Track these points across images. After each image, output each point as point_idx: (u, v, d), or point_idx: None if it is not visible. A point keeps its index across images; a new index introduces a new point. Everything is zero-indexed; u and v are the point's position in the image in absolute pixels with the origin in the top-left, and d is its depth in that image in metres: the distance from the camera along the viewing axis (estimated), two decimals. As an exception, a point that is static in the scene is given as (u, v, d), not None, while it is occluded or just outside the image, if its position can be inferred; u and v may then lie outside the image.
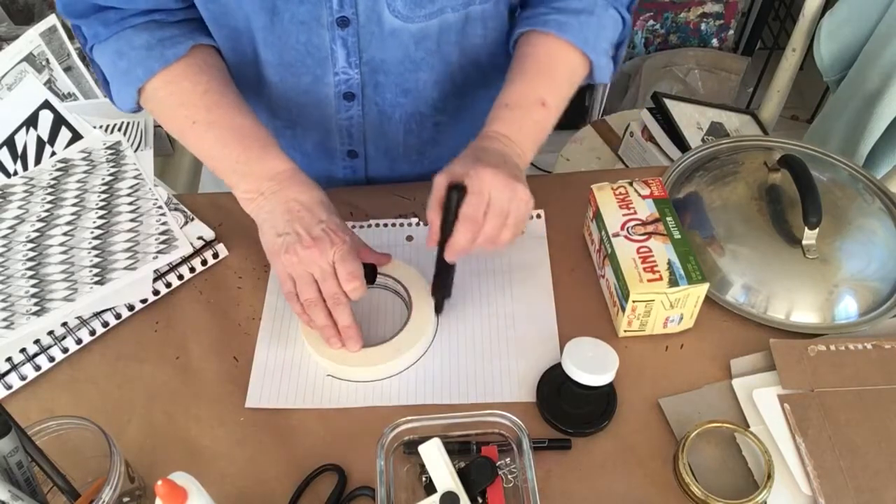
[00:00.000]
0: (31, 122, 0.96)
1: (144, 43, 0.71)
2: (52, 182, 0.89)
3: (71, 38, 1.13)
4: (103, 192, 0.87)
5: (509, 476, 0.63)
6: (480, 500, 0.60)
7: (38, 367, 0.73)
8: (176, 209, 0.85)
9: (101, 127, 0.96)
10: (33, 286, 0.78)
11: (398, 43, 0.75)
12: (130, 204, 0.85)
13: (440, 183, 0.67)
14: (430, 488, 0.59)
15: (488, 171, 0.65)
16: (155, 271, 0.79)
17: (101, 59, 0.75)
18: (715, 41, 2.04)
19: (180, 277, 0.80)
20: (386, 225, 0.85)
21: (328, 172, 0.91)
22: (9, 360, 0.73)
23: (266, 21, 0.72)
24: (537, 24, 0.75)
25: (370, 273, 0.73)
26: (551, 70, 0.75)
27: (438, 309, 0.74)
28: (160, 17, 0.73)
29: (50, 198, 0.87)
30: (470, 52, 0.80)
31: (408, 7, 0.71)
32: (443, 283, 0.73)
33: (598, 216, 0.75)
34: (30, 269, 0.80)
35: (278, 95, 0.81)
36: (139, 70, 0.71)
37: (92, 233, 0.83)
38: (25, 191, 0.88)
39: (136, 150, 0.92)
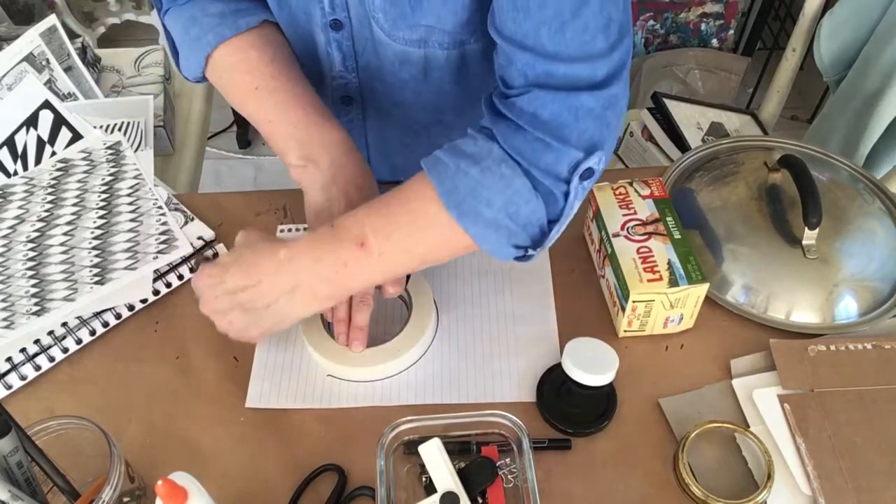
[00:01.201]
0: (31, 122, 0.96)
1: (218, 11, 0.71)
2: (52, 182, 0.89)
3: (71, 37, 1.13)
4: (103, 192, 0.87)
5: (509, 476, 0.63)
6: (480, 500, 0.60)
7: (38, 367, 0.73)
8: (176, 209, 0.85)
9: (101, 127, 0.96)
10: (33, 286, 0.78)
11: (385, 56, 0.74)
12: (130, 204, 0.85)
13: None
14: (430, 488, 0.59)
15: (208, 266, 0.66)
16: (155, 271, 0.79)
17: (174, 25, 0.74)
18: (715, 41, 2.04)
19: (180, 277, 0.80)
20: (386, 225, 0.85)
21: None
22: (9, 360, 0.73)
23: (275, 7, 0.72)
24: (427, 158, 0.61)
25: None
26: (398, 210, 0.61)
27: None
28: None
29: (50, 198, 0.87)
30: (468, 84, 0.76)
31: (388, 22, 0.68)
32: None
33: (598, 216, 0.75)
34: (30, 269, 0.80)
35: None
36: (210, 35, 0.71)
37: (92, 233, 0.83)
38: (25, 191, 0.88)
39: (136, 150, 0.92)
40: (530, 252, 0.60)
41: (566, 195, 0.57)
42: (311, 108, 0.71)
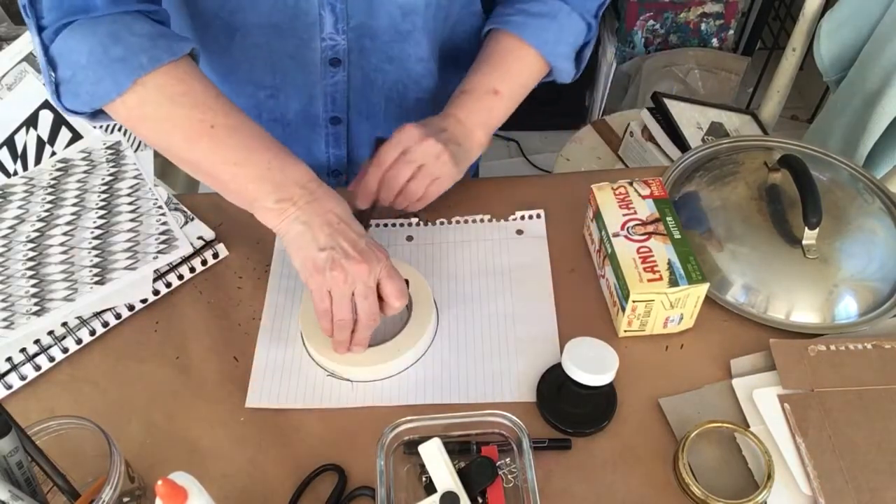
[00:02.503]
0: (31, 122, 0.96)
1: (147, 32, 0.64)
2: (52, 182, 0.89)
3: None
4: (103, 192, 0.87)
5: (509, 476, 0.63)
6: (480, 500, 0.60)
7: (38, 367, 0.73)
8: (176, 209, 0.85)
9: (101, 127, 0.96)
10: (33, 286, 0.78)
11: (386, 11, 0.76)
12: (130, 204, 0.85)
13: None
14: (430, 488, 0.59)
15: (412, 126, 0.73)
16: (155, 271, 0.79)
17: (79, 42, 0.63)
18: (715, 41, 2.04)
19: (180, 277, 0.80)
20: (386, 225, 0.85)
21: (309, 142, 0.91)
22: (9, 360, 0.73)
23: None
24: (501, 24, 0.81)
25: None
26: (506, 64, 0.80)
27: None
28: (154, 9, 0.67)
29: (50, 198, 0.87)
30: (452, 32, 0.85)
31: None
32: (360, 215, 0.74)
33: (598, 216, 0.75)
34: (30, 269, 0.80)
35: (263, 60, 0.81)
36: (143, 58, 0.63)
37: (92, 233, 0.83)
38: (25, 191, 0.88)
39: (136, 150, 0.92)
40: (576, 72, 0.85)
41: (592, 26, 0.83)
42: (274, 145, 0.67)
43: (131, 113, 0.66)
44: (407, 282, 0.71)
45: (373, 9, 0.76)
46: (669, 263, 0.69)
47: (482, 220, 0.84)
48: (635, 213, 0.74)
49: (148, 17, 0.67)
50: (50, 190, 0.88)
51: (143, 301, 0.78)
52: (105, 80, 0.63)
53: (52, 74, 0.66)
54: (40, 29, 0.64)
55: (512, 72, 0.80)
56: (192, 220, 0.84)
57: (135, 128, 0.68)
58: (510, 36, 0.80)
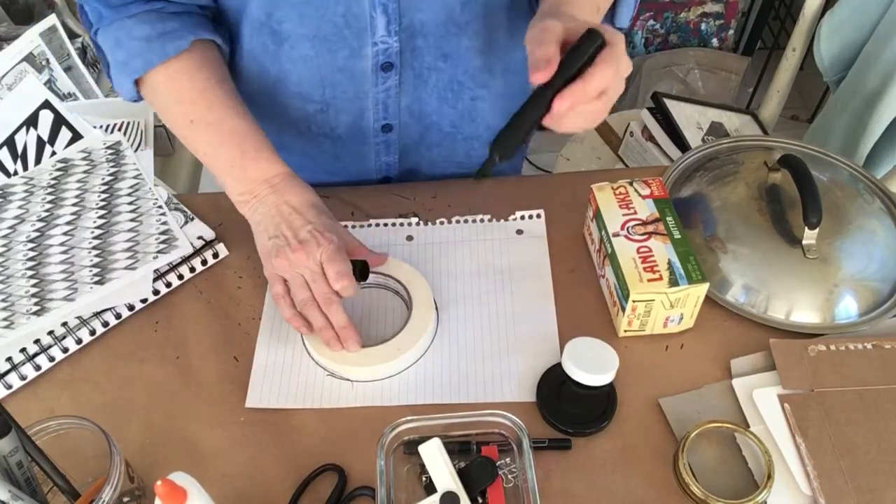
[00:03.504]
0: (31, 122, 0.96)
1: (145, 35, 0.71)
2: (52, 182, 0.89)
3: (71, 37, 1.13)
4: (103, 191, 0.87)
5: (509, 476, 0.63)
6: (480, 500, 0.60)
7: (38, 367, 0.73)
8: (176, 209, 0.85)
9: (101, 127, 0.96)
10: (33, 286, 0.78)
11: (442, 4, 0.73)
12: (130, 204, 0.85)
13: (555, 27, 0.60)
14: (430, 488, 0.59)
15: (621, 44, 0.60)
16: (155, 271, 0.79)
17: (104, 44, 0.74)
18: (715, 41, 2.04)
19: (180, 277, 0.80)
20: (386, 225, 0.85)
21: (360, 154, 0.88)
22: (9, 360, 0.73)
23: None
24: None
25: (362, 270, 0.72)
26: None
27: (501, 153, 0.60)
28: (161, 5, 0.72)
29: (50, 198, 0.87)
30: (513, 22, 0.79)
31: None
32: (521, 123, 0.60)
33: (598, 216, 0.75)
34: (30, 269, 0.80)
35: (311, 73, 0.79)
36: (137, 62, 0.71)
37: (92, 233, 0.83)
38: (25, 191, 0.88)
39: (136, 150, 0.92)
40: None
41: None
42: (246, 142, 0.72)
43: (149, 103, 0.76)
44: (364, 263, 0.72)
45: (428, 3, 0.72)
46: (669, 263, 0.69)
47: (482, 220, 0.84)
48: (635, 212, 0.74)
49: (160, 12, 0.72)
50: (50, 190, 0.88)
51: (143, 301, 0.78)
52: (118, 79, 0.74)
53: (106, 69, 0.77)
54: (92, 31, 0.75)
55: None
56: (192, 219, 0.84)
57: (159, 115, 0.79)
58: None
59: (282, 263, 0.69)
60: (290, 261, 0.69)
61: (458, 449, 0.63)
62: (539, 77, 0.59)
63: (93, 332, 0.76)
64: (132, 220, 0.84)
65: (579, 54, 0.59)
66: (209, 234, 0.83)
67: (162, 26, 0.71)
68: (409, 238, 0.83)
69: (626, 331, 0.72)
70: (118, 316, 0.77)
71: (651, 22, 2.00)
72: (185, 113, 0.72)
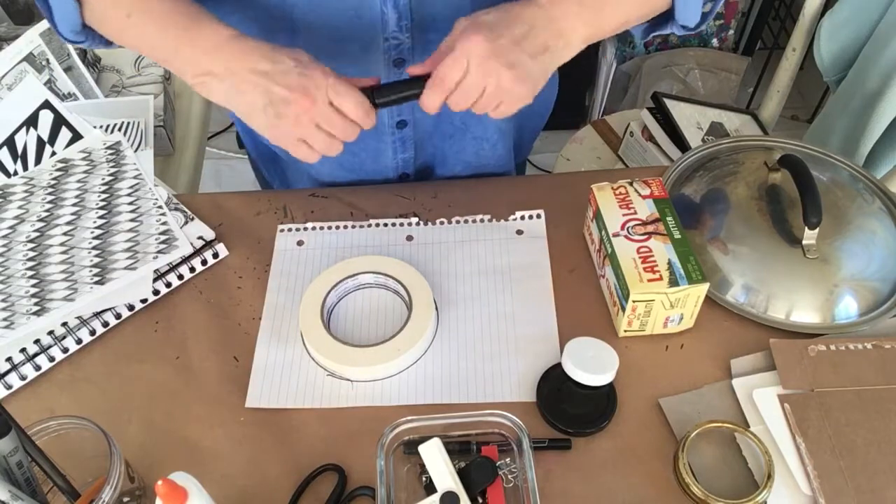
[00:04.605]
0: (31, 122, 0.96)
1: None
2: (52, 182, 0.89)
3: (71, 38, 1.13)
4: (103, 192, 0.87)
5: (509, 476, 0.63)
6: (480, 500, 0.60)
7: (38, 367, 0.73)
8: (176, 209, 0.85)
9: (101, 127, 0.96)
10: (33, 286, 0.78)
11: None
12: (130, 204, 0.85)
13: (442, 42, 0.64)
14: (430, 488, 0.59)
15: (478, 39, 0.60)
16: (155, 271, 0.79)
17: None
18: (715, 41, 2.04)
19: (180, 277, 0.80)
20: (386, 225, 0.85)
21: (377, 151, 0.87)
22: (9, 360, 0.73)
23: None
24: None
25: (375, 94, 0.66)
26: None
27: (376, 102, 0.65)
28: None
29: (50, 198, 0.87)
30: None
31: None
32: (399, 88, 0.66)
33: (598, 216, 0.75)
34: (30, 269, 0.80)
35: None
36: None
37: (92, 233, 0.83)
38: (25, 191, 0.88)
39: (136, 150, 0.92)
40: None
41: None
42: (184, 17, 0.66)
43: (94, 24, 0.70)
44: (373, 87, 0.67)
45: None
46: (669, 263, 0.69)
47: (482, 220, 0.84)
48: (635, 213, 0.74)
49: None
50: (50, 190, 0.88)
51: (143, 301, 0.78)
52: (61, 7, 0.68)
53: (46, 9, 0.70)
54: None
55: None
56: (192, 219, 0.84)
57: (102, 33, 0.72)
58: None
59: (289, 125, 0.63)
60: (297, 116, 0.62)
61: (458, 449, 0.63)
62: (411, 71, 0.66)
63: (93, 332, 0.76)
64: (132, 220, 0.84)
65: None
66: (209, 234, 0.83)
67: None
68: (409, 238, 0.83)
69: (626, 331, 0.72)
70: (118, 316, 0.77)
71: (651, 22, 1.99)
72: (122, 9, 0.66)
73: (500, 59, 0.61)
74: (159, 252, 0.80)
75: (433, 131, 0.88)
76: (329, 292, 0.75)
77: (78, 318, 0.76)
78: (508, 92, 0.63)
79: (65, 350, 0.74)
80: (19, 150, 0.94)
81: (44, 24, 1.12)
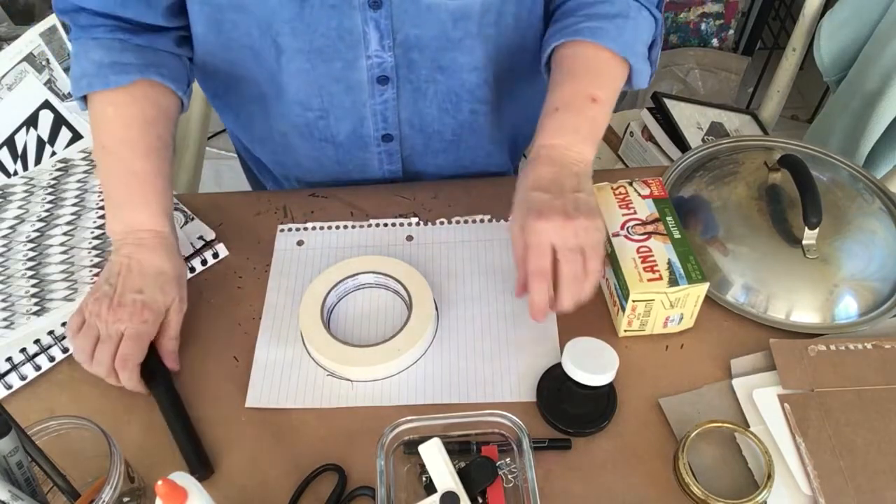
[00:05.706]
0: (32, 122, 0.96)
1: (97, 59, 0.74)
2: (52, 182, 0.89)
3: (71, 38, 1.13)
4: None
5: (509, 476, 0.63)
6: (480, 500, 0.60)
7: (38, 367, 0.73)
8: (176, 209, 0.85)
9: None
10: (33, 286, 0.78)
11: (435, 20, 0.74)
12: (130, 204, 0.85)
13: (517, 241, 0.68)
14: (430, 488, 0.59)
15: (541, 223, 0.66)
16: (155, 271, 0.79)
17: (73, 50, 0.78)
18: (715, 41, 2.04)
19: (180, 277, 0.80)
20: (386, 225, 0.85)
21: (363, 161, 0.89)
22: (9, 360, 0.73)
23: (295, 10, 0.72)
24: (571, 35, 0.75)
25: (151, 371, 0.70)
26: (595, 69, 0.75)
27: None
28: (125, 36, 0.74)
29: (50, 198, 0.87)
30: (507, 39, 0.80)
31: None
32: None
33: (598, 216, 0.75)
34: (30, 269, 0.80)
35: (309, 84, 0.79)
36: (83, 82, 0.74)
37: (92, 233, 0.83)
38: (25, 191, 0.88)
39: (136, 150, 0.92)
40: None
41: (659, 20, 0.79)
42: (137, 187, 0.73)
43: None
44: (155, 367, 0.70)
45: (420, 19, 0.74)
46: (669, 263, 0.69)
47: (482, 220, 0.84)
48: (635, 212, 0.74)
49: (123, 41, 0.75)
50: (50, 190, 0.88)
51: (143, 301, 0.78)
52: (72, 87, 0.77)
53: None
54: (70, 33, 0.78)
55: (603, 76, 0.75)
56: (193, 219, 0.84)
57: None
58: (586, 44, 0.74)
59: (96, 309, 0.69)
60: (100, 313, 0.68)
61: (458, 449, 0.63)
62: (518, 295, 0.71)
63: (93, 332, 0.75)
64: (132, 220, 0.83)
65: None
66: (209, 234, 0.83)
67: (117, 56, 0.74)
68: (409, 238, 0.83)
69: (626, 331, 0.72)
70: (118, 316, 0.77)
71: (651, 22, 1.99)
72: (101, 139, 0.75)
73: (563, 216, 0.66)
74: (159, 252, 0.80)
75: (424, 150, 0.89)
76: (329, 292, 0.75)
77: (78, 318, 0.76)
78: (586, 230, 0.67)
79: (65, 350, 0.74)
80: (19, 150, 0.94)
81: (44, 24, 1.12)
